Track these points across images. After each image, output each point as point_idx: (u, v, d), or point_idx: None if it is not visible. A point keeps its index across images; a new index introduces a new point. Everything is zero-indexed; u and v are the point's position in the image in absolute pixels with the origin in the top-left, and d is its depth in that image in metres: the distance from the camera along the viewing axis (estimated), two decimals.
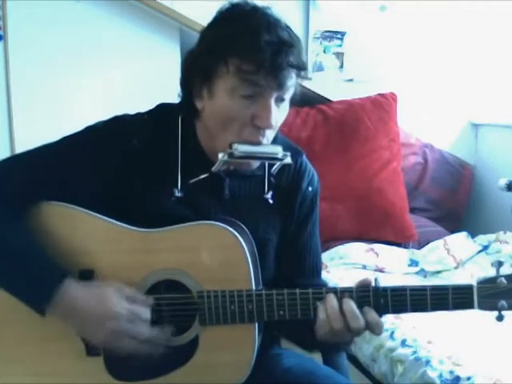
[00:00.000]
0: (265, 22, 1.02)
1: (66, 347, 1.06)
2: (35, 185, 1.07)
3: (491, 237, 2.50)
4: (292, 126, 2.54)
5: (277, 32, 1.02)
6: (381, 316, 1.03)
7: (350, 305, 1.02)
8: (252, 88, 1.02)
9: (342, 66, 2.76)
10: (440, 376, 1.49)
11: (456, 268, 2.34)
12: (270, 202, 1.16)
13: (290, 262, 1.20)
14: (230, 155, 1.03)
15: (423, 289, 1.04)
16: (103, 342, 1.02)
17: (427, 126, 2.87)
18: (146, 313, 1.02)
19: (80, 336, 1.05)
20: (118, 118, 1.13)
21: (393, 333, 1.73)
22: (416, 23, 2.79)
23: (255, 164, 1.11)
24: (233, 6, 1.07)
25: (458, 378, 1.46)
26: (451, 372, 1.49)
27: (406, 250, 2.48)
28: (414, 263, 2.38)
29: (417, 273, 2.33)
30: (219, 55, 1.02)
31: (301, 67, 1.05)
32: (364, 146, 2.55)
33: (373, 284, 1.04)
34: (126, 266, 1.06)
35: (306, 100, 2.58)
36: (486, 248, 2.45)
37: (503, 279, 1.03)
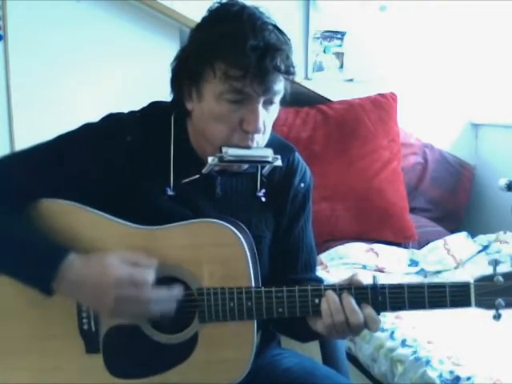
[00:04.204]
0: (251, 24, 1.01)
1: (65, 344, 1.07)
2: (32, 182, 1.07)
3: (491, 237, 2.50)
4: (292, 126, 2.54)
5: (263, 35, 1.01)
6: (379, 313, 1.03)
7: (349, 300, 1.02)
8: (239, 94, 1.02)
9: (342, 66, 2.76)
10: (440, 376, 1.49)
11: (456, 268, 2.34)
12: (263, 199, 1.16)
13: (284, 257, 1.20)
14: (220, 159, 1.04)
15: (421, 286, 1.04)
16: (112, 311, 1.00)
17: (427, 125, 2.87)
18: (148, 274, 1.01)
19: (91, 308, 1.05)
20: (112, 115, 1.13)
21: (393, 333, 1.73)
22: (416, 23, 2.79)
23: (245, 165, 1.12)
24: (221, 7, 1.06)
25: (457, 378, 1.46)
26: (451, 372, 1.49)
27: (405, 250, 2.47)
28: (414, 263, 2.38)
29: (417, 273, 2.32)
30: (206, 59, 1.02)
31: (288, 70, 1.04)
32: (364, 146, 2.55)
33: (371, 282, 1.04)
34: None
35: (306, 100, 2.58)
36: (485, 248, 2.44)
37: (500, 277, 1.03)
